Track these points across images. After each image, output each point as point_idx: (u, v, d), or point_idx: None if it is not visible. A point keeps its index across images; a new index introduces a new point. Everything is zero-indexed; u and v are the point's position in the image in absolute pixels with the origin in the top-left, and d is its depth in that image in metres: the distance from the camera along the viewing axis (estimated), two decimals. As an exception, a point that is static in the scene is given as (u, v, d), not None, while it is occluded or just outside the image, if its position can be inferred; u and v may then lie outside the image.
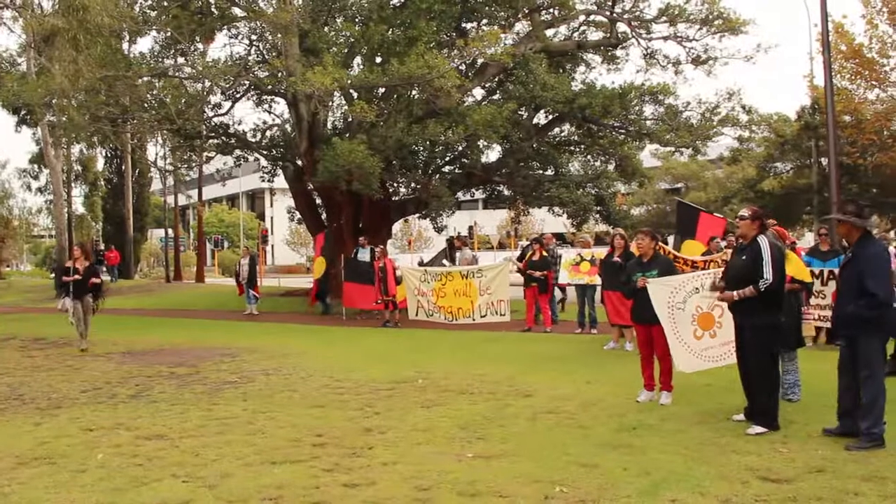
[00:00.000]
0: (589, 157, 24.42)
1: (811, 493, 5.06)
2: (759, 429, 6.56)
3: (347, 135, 19.34)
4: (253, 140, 23.92)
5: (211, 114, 22.37)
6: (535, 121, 22.69)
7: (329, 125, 22.67)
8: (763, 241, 6.74)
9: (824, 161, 24.60)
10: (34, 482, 5.62)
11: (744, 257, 6.91)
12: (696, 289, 7.87)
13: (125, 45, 21.20)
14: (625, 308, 11.71)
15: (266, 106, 24.29)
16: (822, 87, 15.49)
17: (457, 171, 23.70)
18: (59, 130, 22.23)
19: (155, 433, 7.04)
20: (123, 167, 40.87)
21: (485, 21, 21.76)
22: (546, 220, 40.51)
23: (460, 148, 21.13)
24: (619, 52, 23.84)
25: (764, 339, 6.79)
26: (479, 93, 23.14)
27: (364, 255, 19.21)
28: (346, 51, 19.76)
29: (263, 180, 27.90)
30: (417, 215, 26.80)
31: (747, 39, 70.90)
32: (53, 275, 34.28)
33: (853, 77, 23.02)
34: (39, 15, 18.07)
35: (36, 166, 42.52)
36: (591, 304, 14.36)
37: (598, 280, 13.50)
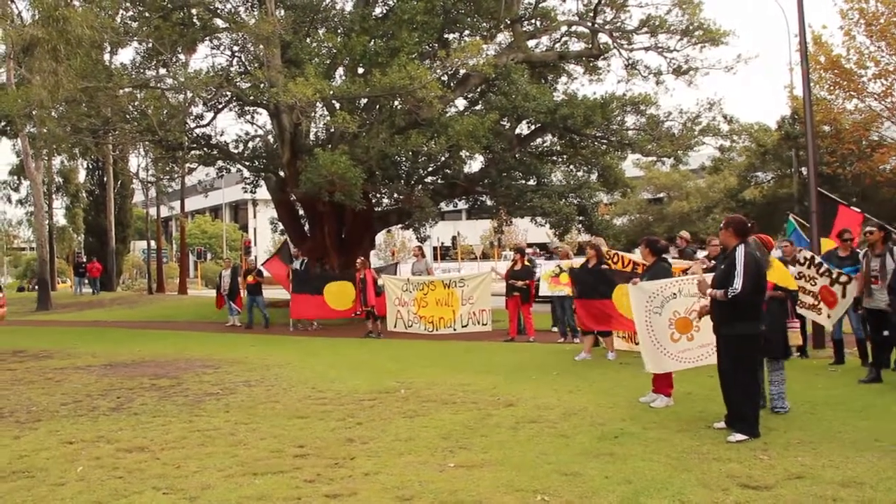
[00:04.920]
0: (571, 167, 24.51)
1: (791, 499, 5.09)
2: (740, 436, 6.60)
3: (330, 145, 19.34)
4: (235, 151, 23.87)
5: (193, 125, 22.31)
6: (517, 131, 22.76)
7: (311, 136, 22.67)
8: (739, 251, 6.79)
9: (804, 171, 24.84)
10: (12, 496, 5.56)
11: (722, 266, 7.01)
12: (674, 294, 7.98)
13: (106, 56, 21.09)
14: (600, 315, 11.76)
15: (248, 117, 24.28)
16: (801, 97, 15.63)
17: (439, 181, 23.73)
18: (40, 142, 22.08)
19: (136, 445, 6.99)
20: (105, 179, 40.73)
21: (467, 32, 21.83)
22: (529, 230, 40.62)
23: (443, 158, 21.17)
24: (600, 63, 24.03)
25: (737, 347, 6.85)
26: (461, 103, 23.22)
27: (295, 265, 19.37)
28: (328, 62, 19.77)
29: (246, 191, 27.85)
30: (400, 226, 26.80)
31: (728, 50, 71.61)
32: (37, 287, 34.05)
33: (832, 88, 23.27)
34: (19, 25, 17.96)
35: (16, 178, 42.39)
36: (571, 313, 14.40)
37: None
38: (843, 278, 10.26)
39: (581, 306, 12.18)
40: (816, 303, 10.66)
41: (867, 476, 5.51)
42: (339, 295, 17.78)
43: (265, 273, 20.79)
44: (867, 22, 21.68)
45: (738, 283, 6.65)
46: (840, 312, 10.49)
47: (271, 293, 21.37)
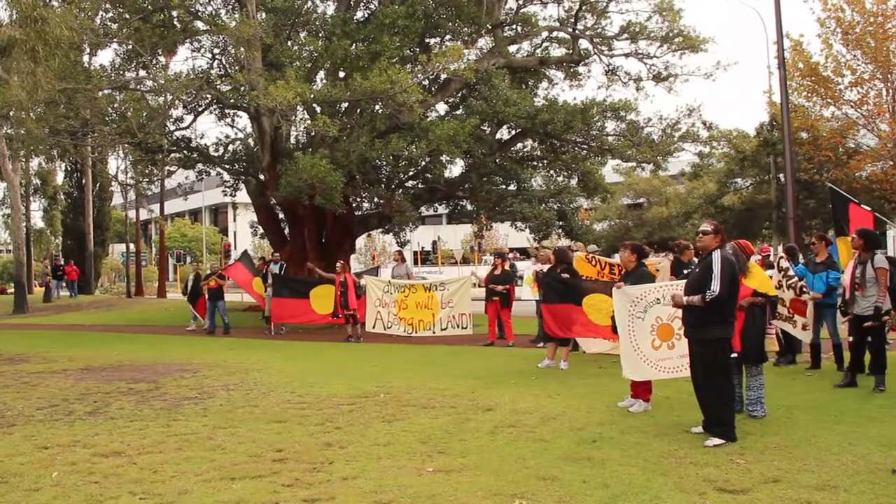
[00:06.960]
0: (551, 172, 24.62)
1: (767, 503, 5.13)
2: (717, 441, 6.64)
3: (310, 149, 19.30)
4: (215, 154, 23.78)
5: (173, 127, 22.21)
6: (497, 136, 22.84)
7: (292, 139, 22.62)
8: (716, 255, 6.85)
9: (783, 177, 25.09)
10: (-14, 501, 5.51)
11: (697, 269, 7.09)
12: (658, 299, 8.00)
13: (86, 58, 20.96)
14: (565, 320, 11.74)
15: (228, 120, 24.21)
16: (779, 103, 15.80)
17: (420, 185, 23.74)
18: (17, 143, 21.89)
19: (112, 450, 6.93)
20: (84, 181, 40.38)
21: (448, 36, 21.89)
22: (510, 235, 40.72)
23: (423, 163, 21.17)
24: (581, 69, 24.16)
25: (710, 351, 6.90)
26: (442, 108, 23.26)
27: (274, 269, 19.29)
28: (309, 65, 19.75)
29: (226, 195, 27.73)
30: (381, 230, 26.79)
31: (707, 57, 72.19)
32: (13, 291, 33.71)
33: (809, 95, 23.53)
34: (-3, 26, 17.80)
35: (-8, 180, 41.82)
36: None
37: None
38: (805, 296, 10.32)
39: (546, 311, 12.16)
40: (791, 315, 10.65)
41: (842, 480, 5.56)
42: (324, 299, 17.69)
43: (227, 278, 20.46)
44: (844, 31, 21.94)
45: (715, 286, 6.70)
46: (811, 321, 10.50)
47: (251, 297, 21.23)
